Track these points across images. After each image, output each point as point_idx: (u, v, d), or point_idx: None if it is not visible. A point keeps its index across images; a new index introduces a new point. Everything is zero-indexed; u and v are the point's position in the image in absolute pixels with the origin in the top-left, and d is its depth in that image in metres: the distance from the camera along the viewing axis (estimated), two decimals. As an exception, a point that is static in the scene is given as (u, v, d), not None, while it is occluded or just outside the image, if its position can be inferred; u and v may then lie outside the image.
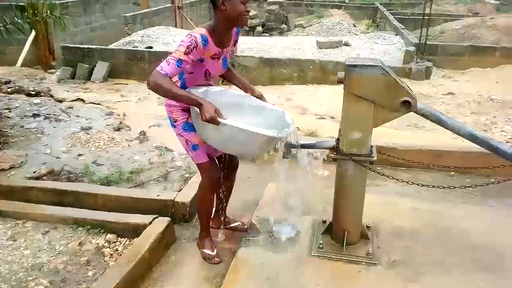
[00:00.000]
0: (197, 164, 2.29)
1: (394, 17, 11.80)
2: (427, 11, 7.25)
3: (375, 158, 2.07)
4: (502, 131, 4.56)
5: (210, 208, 2.44)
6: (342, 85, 1.96)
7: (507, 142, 4.23)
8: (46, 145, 4.14)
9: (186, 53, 1.90)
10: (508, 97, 5.55)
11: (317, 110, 5.37)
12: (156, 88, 1.89)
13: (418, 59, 7.02)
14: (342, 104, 1.98)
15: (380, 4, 15.89)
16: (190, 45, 1.91)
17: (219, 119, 1.87)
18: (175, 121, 2.21)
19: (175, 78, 2.10)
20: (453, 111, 5.23)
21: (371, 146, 2.10)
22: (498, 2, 15.40)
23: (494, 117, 4.98)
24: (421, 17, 12.42)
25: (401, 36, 9.26)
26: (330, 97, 5.79)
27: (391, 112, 1.93)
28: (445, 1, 15.51)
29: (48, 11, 5.77)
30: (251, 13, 12.64)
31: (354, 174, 2.12)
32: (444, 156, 3.27)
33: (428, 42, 7.33)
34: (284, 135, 1.99)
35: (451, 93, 5.80)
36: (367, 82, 1.88)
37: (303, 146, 2.23)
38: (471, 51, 7.47)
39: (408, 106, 1.88)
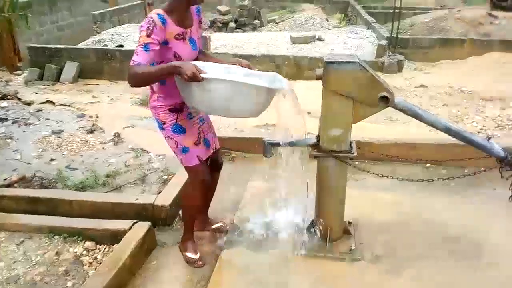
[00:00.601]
0: (186, 167, 2.23)
1: (365, 11, 11.97)
2: (398, 4, 7.37)
3: (355, 154, 2.08)
4: (473, 121, 4.69)
5: (196, 211, 2.40)
6: (321, 81, 1.96)
7: (478, 132, 4.36)
8: (16, 150, 3.98)
9: (148, 35, 1.87)
10: (477, 88, 5.72)
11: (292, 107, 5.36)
12: (135, 80, 1.87)
13: (390, 53, 7.13)
14: (321, 101, 1.98)
15: (351, -2, 16.10)
16: (149, 26, 1.88)
17: (202, 74, 1.80)
18: (164, 123, 2.14)
19: None
20: (425, 103, 5.34)
21: (351, 142, 2.12)
22: (464, -6, 15.82)
23: (465, 108, 5.12)
24: (391, 11, 12.72)
25: (373, 30, 9.38)
26: (306, 93, 5.79)
27: (370, 108, 1.94)
28: (413, -6, 15.81)
29: (11, 9, 5.53)
30: (223, 9, 12.54)
31: (335, 170, 2.13)
32: (420, 148, 3.34)
33: (399, 36, 7.45)
34: (277, 87, 1.94)
35: (423, 86, 5.93)
36: (345, 79, 1.88)
37: (283, 144, 2.22)
38: (440, 43, 7.64)
39: (386, 101, 1.90)
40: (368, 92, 1.89)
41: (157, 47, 1.90)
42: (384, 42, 7.20)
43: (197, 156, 2.19)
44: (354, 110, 1.93)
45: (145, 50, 1.86)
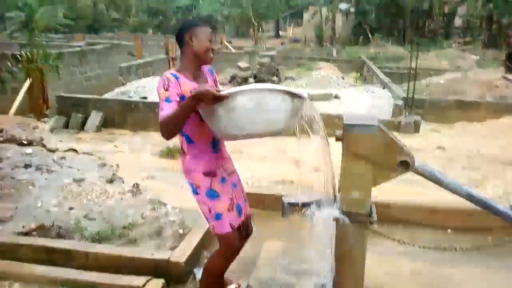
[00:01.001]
0: (218, 234, 2.17)
1: (380, 71, 12.29)
2: (413, 65, 7.56)
3: (375, 219, 2.06)
4: (494, 186, 4.61)
5: (218, 278, 2.34)
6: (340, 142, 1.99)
7: (499, 197, 4.26)
8: (37, 197, 4.05)
9: (166, 89, 1.97)
10: (496, 151, 5.68)
11: (312, 163, 5.39)
12: (166, 128, 1.93)
13: (407, 113, 7.22)
14: (340, 163, 2.00)
15: (366, 58, 16.59)
16: (165, 82, 1.99)
17: (225, 91, 1.81)
18: (198, 188, 2.12)
19: (179, 137, 2.10)
20: (444, 166, 5.29)
21: (371, 206, 2.10)
22: (478, 57, 16.18)
23: (485, 172, 5.05)
24: (406, 72, 13.02)
25: (389, 89, 9.58)
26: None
27: (390, 172, 1.95)
28: (428, 56, 16.24)
29: (42, 59, 5.91)
30: (243, 65, 13.05)
31: (354, 235, 2.10)
32: (441, 212, 3.27)
33: (415, 96, 7.58)
34: (302, 93, 1.92)
35: (442, 147, 5.92)
36: (364, 142, 1.91)
37: (301, 205, 2.21)
38: (457, 105, 7.72)
39: (406, 166, 1.91)
40: (388, 156, 1.90)
41: (178, 98, 1.97)
42: (400, 102, 7.31)
43: (230, 223, 2.13)
44: (374, 173, 1.94)
45: (168, 102, 1.95)
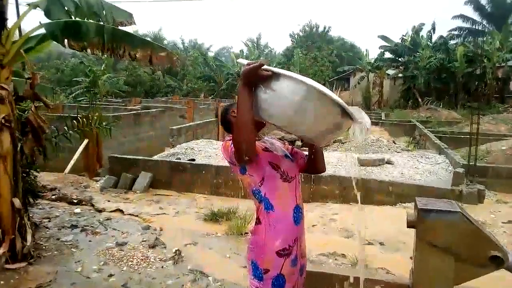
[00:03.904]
0: None
1: (434, 135, 11.76)
2: (473, 130, 7.11)
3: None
4: None
5: None
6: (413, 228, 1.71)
7: None
8: (79, 261, 3.97)
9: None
10: None
11: (364, 234, 4.98)
12: (242, 134, 1.62)
13: (469, 181, 6.65)
14: (415, 254, 1.70)
15: (417, 121, 16.10)
16: (227, 147, 1.82)
17: (271, 68, 1.57)
18: (265, 272, 1.75)
19: (256, 203, 1.86)
20: (519, 244, 4.69)
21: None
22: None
23: None
24: (462, 136, 12.38)
25: (445, 155, 9.04)
26: (377, 219, 5.43)
27: (477, 268, 1.62)
28: (484, 120, 15.48)
29: (97, 122, 6.18)
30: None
31: None
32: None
33: (477, 163, 7.03)
34: (355, 115, 1.59)
35: (512, 222, 5.31)
36: (444, 231, 1.62)
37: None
38: (524, 174, 7.06)
39: (498, 262, 1.58)
40: (473, 249, 1.59)
41: None
42: (461, 170, 6.78)
43: None
44: (457, 269, 1.62)
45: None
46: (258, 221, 1.83)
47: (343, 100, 1.58)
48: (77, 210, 5.65)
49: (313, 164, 2.00)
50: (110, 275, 3.69)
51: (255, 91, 1.63)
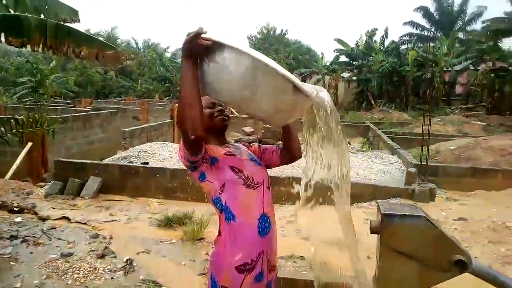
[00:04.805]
0: None
1: (387, 136, 12.13)
2: (425, 131, 7.33)
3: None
4: (529, 265, 4.13)
5: None
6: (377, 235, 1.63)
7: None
8: (18, 276, 3.62)
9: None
10: (523, 224, 5.23)
11: (323, 236, 4.95)
12: (185, 108, 1.46)
13: (420, 180, 6.86)
14: (378, 261, 1.62)
15: (371, 122, 16.59)
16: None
17: (211, 37, 1.40)
18: None
19: (218, 213, 1.71)
20: (468, 240, 4.84)
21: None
22: (484, 123, 16.14)
23: (515, 247, 4.59)
24: (412, 136, 12.87)
25: (398, 155, 9.31)
26: (335, 221, 5.43)
27: (441, 273, 1.56)
28: (433, 121, 16.22)
29: (40, 123, 5.75)
30: (248, 130, 12.97)
31: None
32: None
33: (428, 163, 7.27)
34: (309, 91, 1.45)
35: (463, 219, 5.48)
36: (408, 236, 1.54)
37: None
38: (472, 173, 7.38)
39: (462, 266, 1.52)
40: (437, 254, 1.53)
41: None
42: (413, 169, 6.98)
43: None
44: (421, 275, 1.55)
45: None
46: (219, 232, 1.70)
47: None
48: (18, 219, 5.20)
49: (287, 147, 1.92)
50: (53, 291, 3.38)
51: (200, 65, 1.47)
